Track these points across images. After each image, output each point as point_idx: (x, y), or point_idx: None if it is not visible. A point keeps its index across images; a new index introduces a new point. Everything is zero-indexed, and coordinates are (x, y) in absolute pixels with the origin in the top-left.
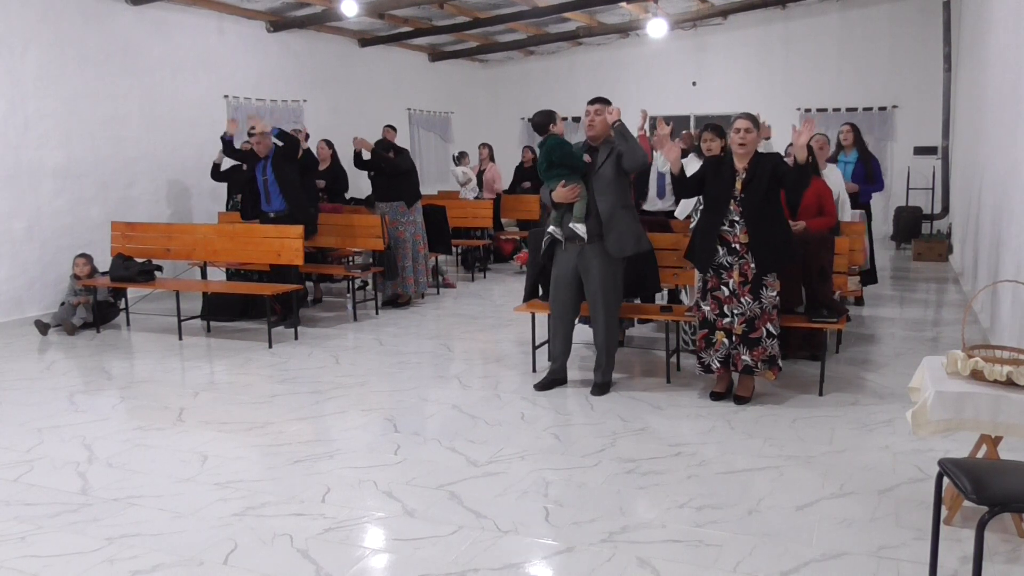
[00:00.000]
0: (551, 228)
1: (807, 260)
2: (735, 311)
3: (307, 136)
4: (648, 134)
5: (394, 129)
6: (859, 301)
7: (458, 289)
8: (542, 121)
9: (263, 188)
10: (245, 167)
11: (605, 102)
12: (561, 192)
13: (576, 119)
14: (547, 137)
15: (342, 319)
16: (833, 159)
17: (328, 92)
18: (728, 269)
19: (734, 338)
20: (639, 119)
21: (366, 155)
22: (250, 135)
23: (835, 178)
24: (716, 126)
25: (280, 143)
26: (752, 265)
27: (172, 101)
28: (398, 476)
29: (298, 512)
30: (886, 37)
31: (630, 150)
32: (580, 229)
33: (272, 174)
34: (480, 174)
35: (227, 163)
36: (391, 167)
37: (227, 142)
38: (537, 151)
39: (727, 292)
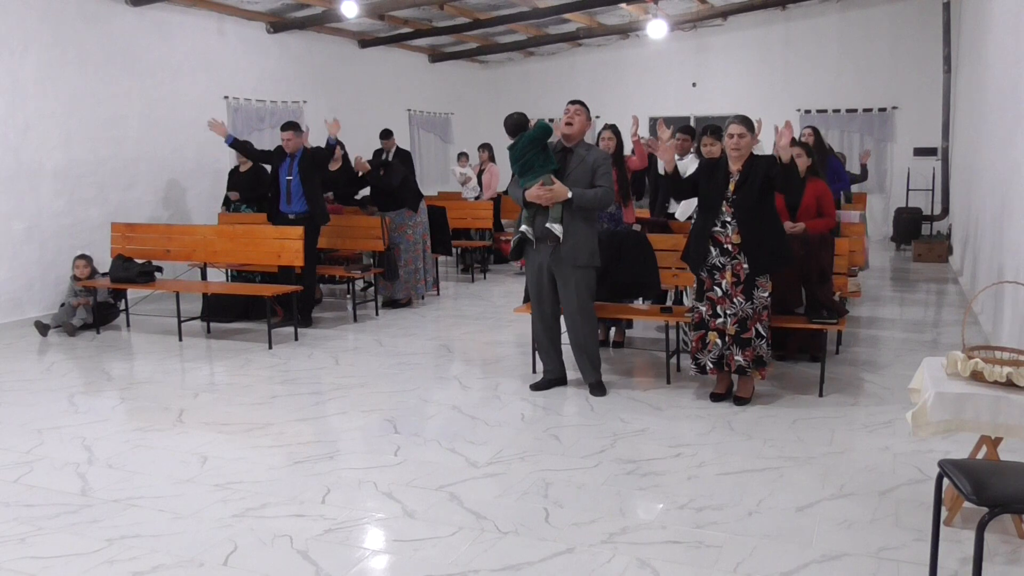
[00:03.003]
0: (522, 228)
1: (807, 261)
2: (728, 311)
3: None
4: (650, 137)
5: (390, 134)
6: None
7: (458, 290)
8: (522, 122)
9: (285, 189)
10: (241, 168)
11: (584, 105)
12: (536, 192)
13: None
14: (524, 134)
15: (342, 320)
16: None
17: (328, 93)
18: (721, 270)
19: (727, 339)
20: (631, 125)
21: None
22: (285, 129)
23: None
24: (716, 128)
25: (325, 148)
26: (744, 266)
27: (172, 102)
28: (398, 477)
29: (298, 513)
30: (886, 38)
31: (603, 193)
32: (557, 229)
33: (298, 175)
34: (479, 174)
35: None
36: (384, 185)
37: (237, 142)
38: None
39: (720, 293)
